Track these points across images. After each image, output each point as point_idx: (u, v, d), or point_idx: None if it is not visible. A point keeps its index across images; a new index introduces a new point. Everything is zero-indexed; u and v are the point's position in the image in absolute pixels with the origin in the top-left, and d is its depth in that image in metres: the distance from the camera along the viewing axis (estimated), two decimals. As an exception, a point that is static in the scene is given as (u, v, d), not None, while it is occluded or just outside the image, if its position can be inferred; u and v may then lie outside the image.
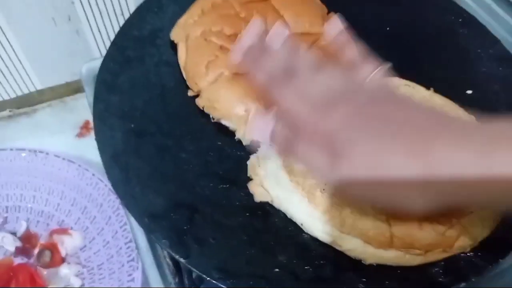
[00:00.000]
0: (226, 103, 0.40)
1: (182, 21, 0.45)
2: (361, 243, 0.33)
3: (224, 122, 0.41)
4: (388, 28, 0.47)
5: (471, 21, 0.46)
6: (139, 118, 0.40)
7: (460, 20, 0.47)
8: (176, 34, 0.45)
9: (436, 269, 0.33)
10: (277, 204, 0.36)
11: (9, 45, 0.60)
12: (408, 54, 0.44)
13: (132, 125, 0.39)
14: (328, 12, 0.46)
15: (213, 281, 0.32)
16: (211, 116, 0.41)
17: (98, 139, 0.38)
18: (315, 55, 0.32)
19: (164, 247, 0.33)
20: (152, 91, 0.42)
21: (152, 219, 0.35)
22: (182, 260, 0.33)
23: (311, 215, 0.34)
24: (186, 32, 0.44)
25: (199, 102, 0.41)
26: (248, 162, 0.38)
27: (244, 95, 0.39)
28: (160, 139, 0.39)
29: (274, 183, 0.36)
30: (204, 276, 0.32)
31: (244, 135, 0.39)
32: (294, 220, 0.35)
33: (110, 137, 0.38)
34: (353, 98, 0.29)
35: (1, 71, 0.63)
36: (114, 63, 0.43)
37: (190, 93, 0.42)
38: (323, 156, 0.27)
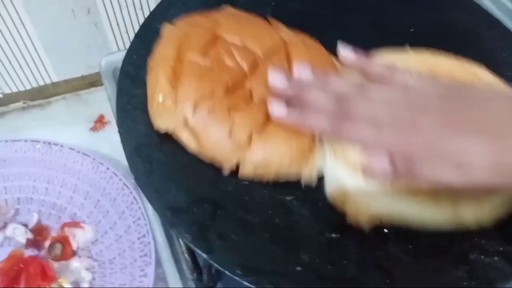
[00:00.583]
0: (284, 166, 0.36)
1: (163, 105, 0.37)
2: None
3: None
4: (412, 30, 0.47)
5: (496, 24, 0.46)
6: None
7: (485, 23, 0.46)
8: (164, 122, 0.37)
9: (461, 273, 0.33)
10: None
11: (27, 35, 0.60)
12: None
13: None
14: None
15: (236, 277, 0.32)
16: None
17: (121, 131, 0.38)
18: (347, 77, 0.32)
19: (187, 241, 0.33)
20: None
21: (174, 213, 0.34)
22: (204, 255, 0.32)
23: None
24: (179, 117, 0.37)
25: (245, 172, 0.36)
26: (328, 194, 0.36)
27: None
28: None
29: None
30: (227, 272, 0.32)
31: (311, 174, 0.37)
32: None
33: (133, 130, 0.38)
34: (425, 104, 0.29)
35: (18, 62, 0.63)
36: (137, 55, 0.42)
37: (226, 172, 0.37)
38: (450, 169, 0.28)
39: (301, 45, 0.42)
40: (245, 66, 0.39)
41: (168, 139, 0.38)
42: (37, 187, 0.59)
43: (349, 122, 0.31)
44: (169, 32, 0.42)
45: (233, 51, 0.40)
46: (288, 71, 0.38)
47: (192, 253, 0.39)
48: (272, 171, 0.36)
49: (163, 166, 0.37)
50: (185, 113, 0.37)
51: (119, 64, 0.52)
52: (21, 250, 0.55)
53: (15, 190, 0.59)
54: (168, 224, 0.33)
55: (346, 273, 0.33)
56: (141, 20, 0.62)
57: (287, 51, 0.41)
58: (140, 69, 0.42)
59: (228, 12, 0.45)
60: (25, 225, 0.56)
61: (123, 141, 0.37)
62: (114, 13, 0.61)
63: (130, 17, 0.62)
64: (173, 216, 0.34)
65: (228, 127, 0.36)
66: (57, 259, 0.54)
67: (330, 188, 0.37)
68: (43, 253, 0.55)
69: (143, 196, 0.48)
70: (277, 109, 0.34)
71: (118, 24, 0.63)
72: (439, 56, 0.41)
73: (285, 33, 0.43)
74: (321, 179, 0.37)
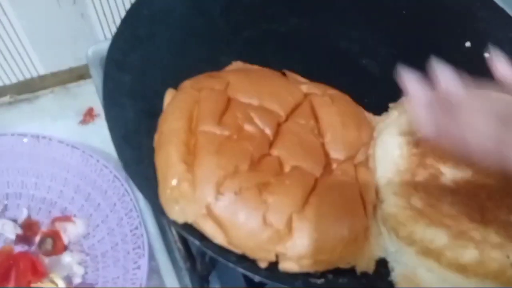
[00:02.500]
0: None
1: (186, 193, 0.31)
2: None
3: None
4: (404, 12, 0.46)
5: (489, 4, 0.45)
6: (151, 98, 0.39)
7: (477, 3, 0.46)
8: (182, 212, 0.31)
9: None
10: None
11: (11, 27, 0.59)
12: (426, 37, 0.43)
13: (144, 105, 0.38)
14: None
15: (230, 264, 0.31)
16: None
17: (108, 118, 0.37)
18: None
19: (178, 229, 0.32)
20: (164, 70, 0.40)
21: (165, 200, 0.33)
22: (197, 242, 0.31)
23: None
24: (200, 203, 0.31)
25: (288, 266, 0.31)
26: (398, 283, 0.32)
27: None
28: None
29: None
30: (221, 259, 0.31)
31: (369, 261, 0.31)
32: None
33: (121, 117, 0.37)
34: None
35: (2, 55, 0.61)
36: (124, 41, 0.41)
37: (263, 265, 0.31)
38: None
39: (325, 97, 0.37)
40: (267, 130, 0.33)
41: (156, 125, 0.37)
42: (25, 181, 0.57)
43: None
44: (174, 100, 0.36)
45: (251, 114, 0.34)
46: (317, 129, 0.33)
47: (185, 242, 0.38)
48: (321, 261, 0.30)
49: (152, 153, 0.36)
50: (206, 199, 0.30)
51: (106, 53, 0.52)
52: (11, 246, 0.54)
53: (3, 186, 0.57)
54: (158, 212, 0.32)
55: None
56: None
57: (311, 106, 0.36)
58: (127, 55, 0.41)
59: (237, 69, 0.40)
60: (14, 221, 0.55)
61: (111, 128, 0.36)
62: (101, 2, 0.60)
63: (117, 6, 0.61)
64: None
65: (262, 211, 0.29)
66: (48, 254, 0.53)
67: (399, 277, 0.32)
68: (33, 248, 0.54)
69: (134, 188, 0.47)
70: (425, 128, 0.28)
71: (104, 14, 0.61)
72: None
73: (305, 85, 0.37)
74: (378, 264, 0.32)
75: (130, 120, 0.37)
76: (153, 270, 0.50)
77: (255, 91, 0.36)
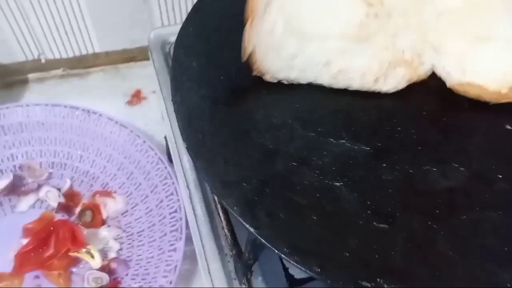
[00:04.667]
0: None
1: None
2: None
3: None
4: None
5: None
6: (215, 85, 0.39)
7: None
8: None
9: (510, 276, 0.32)
10: None
11: (76, 2, 0.61)
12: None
13: (208, 92, 0.39)
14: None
15: (282, 256, 0.31)
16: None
17: (175, 101, 0.38)
18: None
19: (236, 214, 0.33)
20: (229, 62, 0.41)
21: (223, 185, 0.34)
22: (252, 230, 0.32)
23: None
24: None
25: None
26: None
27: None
28: (233, 110, 0.39)
29: None
30: (274, 249, 0.31)
31: None
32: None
33: (187, 101, 0.38)
34: None
35: (64, 28, 0.63)
36: (193, 29, 0.42)
37: None
38: None
39: None
40: None
41: (219, 114, 0.38)
42: (71, 153, 0.59)
43: None
44: None
45: None
46: None
47: (232, 230, 0.39)
48: None
49: (213, 138, 0.36)
50: None
51: (167, 38, 0.53)
52: (52, 212, 0.56)
53: (50, 154, 0.59)
54: (217, 196, 0.33)
55: (393, 264, 0.32)
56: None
57: None
58: (196, 42, 0.42)
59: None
60: (58, 189, 0.57)
61: (177, 110, 0.37)
62: (164, -11, 0.61)
63: (179, -5, 0.63)
64: (222, 187, 0.34)
65: None
66: (87, 226, 0.55)
67: None
68: (73, 218, 0.55)
69: (177, 171, 0.48)
70: None
71: (166, 1, 0.63)
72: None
73: None
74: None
75: (195, 104, 0.38)
76: (186, 256, 0.51)
77: None
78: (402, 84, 0.40)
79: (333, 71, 0.40)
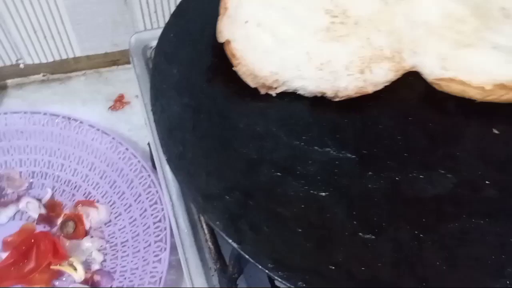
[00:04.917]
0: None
1: None
2: None
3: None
4: None
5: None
6: (196, 94, 0.38)
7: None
8: None
9: (499, 286, 0.32)
10: None
11: (55, 6, 0.59)
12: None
13: (189, 101, 0.38)
14: None
15: (266, 271, 0.30)
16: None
17: (155, 111, 0.37)
18: None
19: (218, 229, 0.32)
20: (212, 69, 0.40)
21: (205, 199, 0.33)
22: (235, 245, 0.31)
23: None
24: None
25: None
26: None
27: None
28: (216, 119, 0.38)
29: None
30: (257, 265, 0.31)
31: None
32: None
33: (167, 110, 0.37)
34: None
35: (43, 32, 0.61)
36: (174, 34, 0.41)
37: None
38: None
39: None
40: None
41: (201, 123, 0.37)
42: (52, 162, 0.58)
43: None
44: None
45: None
46: None
47: (215, 242, 0.38)
48: None
49: (195, 150, 0.35)
50: None
51: (149, 43, 0.51)
52: (33, 224, 0.54)
53: (30, 164, 0.58)
54: (199, 210, 0.32)
55: (380, 276, 0.32)
56: (171, 1, 0.61)
57: None
58: (176, 48, 0.40)
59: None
60: (39, 200, 0.55)
61: (157, 121, 0.36)
62: (146, -9, 0.60)
63: (160, -3, 0.61)
64: (204, 202, 0.33)
65: None
66: (69, 237, 0.53)
67: None
68: (54, 230, 0.54)
69: (160, 181, 0.47)
70: None
71: (147, 3, 0.61)
72: None
73: None
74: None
75: (175, 114, 0.37)
76: (172, 266, 0.50)
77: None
78: (391, 75, 0.39)
79: (316, 63, 0.39)
